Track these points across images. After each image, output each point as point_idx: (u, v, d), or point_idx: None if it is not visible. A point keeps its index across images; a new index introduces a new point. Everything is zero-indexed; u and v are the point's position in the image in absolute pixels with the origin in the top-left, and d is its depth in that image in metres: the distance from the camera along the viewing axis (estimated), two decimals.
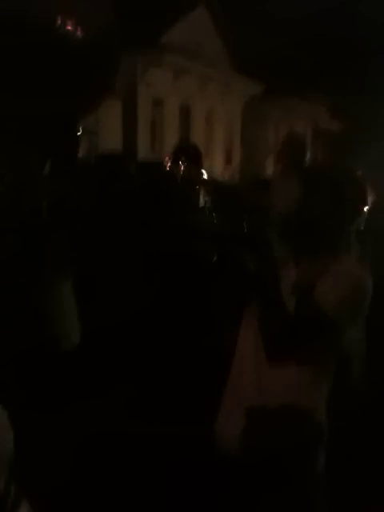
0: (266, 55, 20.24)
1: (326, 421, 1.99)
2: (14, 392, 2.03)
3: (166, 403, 2.81)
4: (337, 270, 1.93)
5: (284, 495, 1.92)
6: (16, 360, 2.16)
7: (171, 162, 3.51)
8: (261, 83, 20.14)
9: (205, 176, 3.60)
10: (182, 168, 3.42)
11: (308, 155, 4.33)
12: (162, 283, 2.66)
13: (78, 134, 2.42)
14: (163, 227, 2.47)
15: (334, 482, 2.02)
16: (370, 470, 2.94)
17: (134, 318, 2.67)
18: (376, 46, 21.97)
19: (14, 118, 2.36)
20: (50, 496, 2.01)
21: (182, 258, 2.74)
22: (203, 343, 2.70)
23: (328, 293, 1.87)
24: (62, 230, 2.24)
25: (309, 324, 1.87)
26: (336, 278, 1.90)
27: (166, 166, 3.49)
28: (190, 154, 3.66)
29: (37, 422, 2.07)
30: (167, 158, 3.64)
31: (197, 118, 18.92)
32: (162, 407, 2.76)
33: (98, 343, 2.36)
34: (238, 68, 19.58)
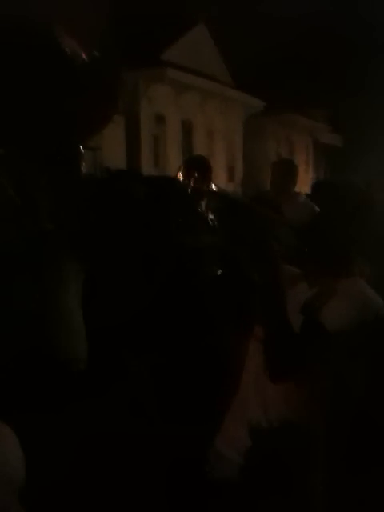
0: (266, 71, 20.43)
1: (327, 436, 1.96)
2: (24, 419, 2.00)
3: (167, 403, 2.81)
4: (346, 291, 1.91)
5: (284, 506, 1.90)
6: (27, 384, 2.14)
7: (183, 175, 3.53)
8: (261, 99, 20.31)
9: (214, 188, 3.63)
10: (193, 181, 3.45)
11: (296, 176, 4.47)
12: (165, 296, 2.65)
13: (82, 151, 2.42)
14: (168, 239, 2.45)
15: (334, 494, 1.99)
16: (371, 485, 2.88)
17: (135, 328, 2.67)
18: (376, 60, 22.17)
19: (15, 134, 2.34)
20: None
21: (186, 271, 2.73)
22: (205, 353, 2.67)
23: (336, 313, 1.85)
24: (67, 244, 2.24)
25: (314, 344, 1.85)
26: (345, 298, 1.89)
27: (177, 179, 3.52)
28: (201, 166, 3.70)
29: (46, 445, 2.02)
30: (179, 171, 3.65)
31: (199, 134, 19.03)
32: (162, 407, 2.76)
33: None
34: (238, 84, 19.76)
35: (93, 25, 2.62)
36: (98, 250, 2.33)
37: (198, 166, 3.71)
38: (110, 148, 14.06)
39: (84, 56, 2.36)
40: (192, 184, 3.53)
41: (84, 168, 2.51)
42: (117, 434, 2.19)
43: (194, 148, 18.87)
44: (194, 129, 18.81)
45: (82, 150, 2.46)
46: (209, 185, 3.51)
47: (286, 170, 4.47)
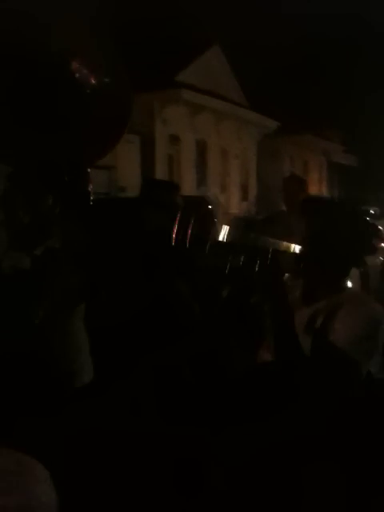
0: (280, 92, 20.60)
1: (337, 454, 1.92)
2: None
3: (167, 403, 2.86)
4: (352, 307, 1.89)
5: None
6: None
7: (177, 226, 2.99)
8: (275, 119, 20.47)
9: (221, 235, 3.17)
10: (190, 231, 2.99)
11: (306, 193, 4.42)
12: (169, 318, 2.66)
13: (88, 171, 2.47)
14: (172, 261, 2.45)
15: None
16: None
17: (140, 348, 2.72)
18: None
19: (25, 153, 2.45)
20: None
21: (193, 293, 2.76)
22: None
23: (344, 330, 1.83)
24: (72, 262, 2.29)
25: (325, 363, 1.82)
26: (352, 314, 1.86)
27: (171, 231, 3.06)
28: (200, 210, 3.34)
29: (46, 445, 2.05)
30: (175, 220, 3.15)
31: (213, 153, 19.20)
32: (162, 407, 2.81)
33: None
34: (252, 105, 19.94)
35: (105, 50, 2.71)
36: (103, 267, 2.33)
37: (196, 209, 3.42)
38: (124, 167, 14.26)
39: (93, 82, 2.46)
40: (189, 236, 3.15)
41: (91, 188, 2.52)
42: (116, 434, 2.19)
43: (208, 167, 19.04)
44: (209, 148, 18.98)
45: (89, 171, 2.51)
46: (211, 232, 3.27)
47: (296, 186, 4.54)
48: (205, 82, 17.10)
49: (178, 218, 3.05)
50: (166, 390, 2.33)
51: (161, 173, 16.57)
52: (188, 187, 17.02)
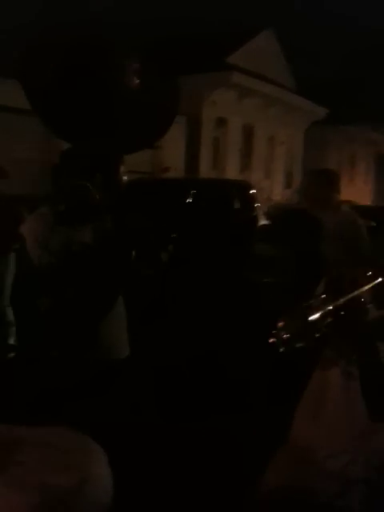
0: (332, 80, 20.31)
1: None
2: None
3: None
4: None
5: None
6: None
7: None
8: (324, 107, 20.22)
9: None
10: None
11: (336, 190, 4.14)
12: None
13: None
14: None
15: None
16: None
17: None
18: None
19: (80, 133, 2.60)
20: None
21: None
22: None
23: None
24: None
25: None
26: None
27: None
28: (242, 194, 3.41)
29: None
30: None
31: (259, 139, 19.10)
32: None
33: None
34: (302, 91, 19.73)
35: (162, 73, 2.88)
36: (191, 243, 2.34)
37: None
38: (169, 147, 14.32)
39: (138, 73, 2.59)
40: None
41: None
42: (116, 433, 2.18)
43: (253, 152, 18.96)
44: (255, 133, 18.89)
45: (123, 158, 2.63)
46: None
47: (328, 180, 4.20)
48: (255, 66, 16.98)
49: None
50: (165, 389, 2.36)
51: (205, 155, 16.59)
52: (231, 171, 17.01)
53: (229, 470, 2.42)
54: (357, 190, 21.83)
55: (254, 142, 18.89)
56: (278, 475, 1.58)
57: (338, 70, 20.28)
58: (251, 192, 8.99)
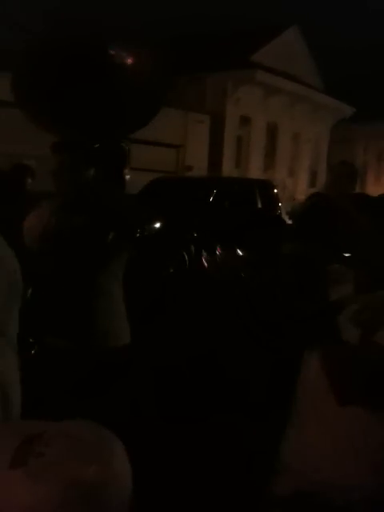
0: (358, 77, 20.06)
1: None
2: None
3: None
4: None
5: None
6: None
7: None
8: (350, 105, 19.97)
9: None
10: None
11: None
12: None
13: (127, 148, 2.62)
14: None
15: None
16: None
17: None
18: None
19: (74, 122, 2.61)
20: None
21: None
22: None
23: None
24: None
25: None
26: None
27: None
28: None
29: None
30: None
31: (284, 137, 18.94)
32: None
33: None
34: (328, 89, 19.52)
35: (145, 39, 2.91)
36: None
37: None
38: (193, 146, 14.29)
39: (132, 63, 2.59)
40: None
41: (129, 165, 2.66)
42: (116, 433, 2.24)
43: (278, 151, 18.82)
44: (280, 131, 18.73)
45: (128, 148, 2.62)
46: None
47: (348, 173, 4.38)
48: (280, 64, 16.83)
49: None
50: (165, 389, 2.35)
51: (229, 154, 16.51)
52: (255, 170, 16.90)
53: (229, 470, 2.43)
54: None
55: (278, 141, 18.74)
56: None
57: (364, 65, 19.99)
58: (274, 191, 8.91)
